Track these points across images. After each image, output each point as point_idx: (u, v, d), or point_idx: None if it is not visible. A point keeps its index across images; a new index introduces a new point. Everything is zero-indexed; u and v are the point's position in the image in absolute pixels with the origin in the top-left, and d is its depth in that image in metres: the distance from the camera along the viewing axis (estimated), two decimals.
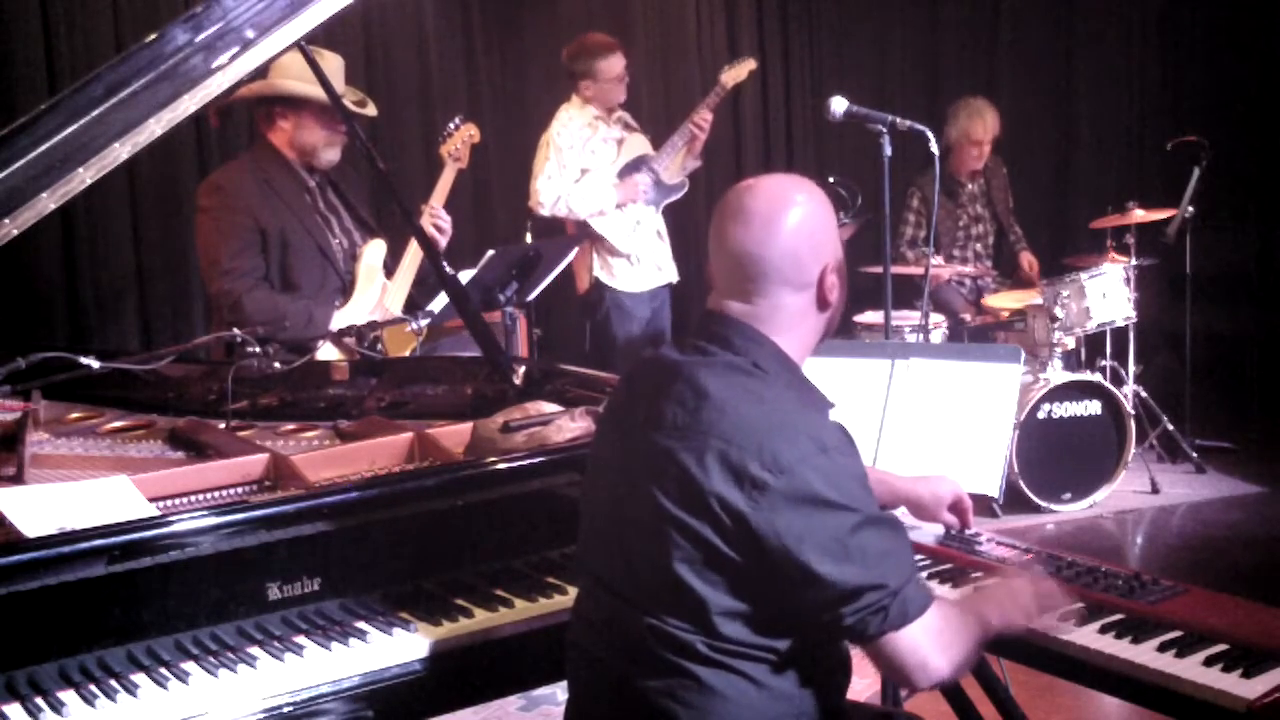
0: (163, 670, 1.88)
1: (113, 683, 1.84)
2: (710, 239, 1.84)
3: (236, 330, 2.92)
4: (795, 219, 1.78)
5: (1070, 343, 5.31)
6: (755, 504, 1.64)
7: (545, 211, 5.15)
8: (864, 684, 3.30)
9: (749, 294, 1.79)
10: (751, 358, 1.76)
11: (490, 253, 3.96)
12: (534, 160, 5.23)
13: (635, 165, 5.23)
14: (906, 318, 5.21)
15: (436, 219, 3.80)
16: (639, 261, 5.25)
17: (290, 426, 2.74)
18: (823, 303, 1.82)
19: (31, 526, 1.89)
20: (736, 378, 1.74)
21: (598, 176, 5.15)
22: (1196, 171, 5.61)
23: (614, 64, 5.19)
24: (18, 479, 2.27)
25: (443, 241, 3.81)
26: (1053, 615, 1.91)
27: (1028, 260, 6.04)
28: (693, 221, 6.20)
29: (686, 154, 5.33)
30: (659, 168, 5.26)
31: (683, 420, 1.71)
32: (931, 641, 1.69)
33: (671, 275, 5.41)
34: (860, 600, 1.65)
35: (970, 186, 6.01)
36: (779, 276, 1.78)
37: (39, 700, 1.79)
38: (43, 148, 2.23)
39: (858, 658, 1.83)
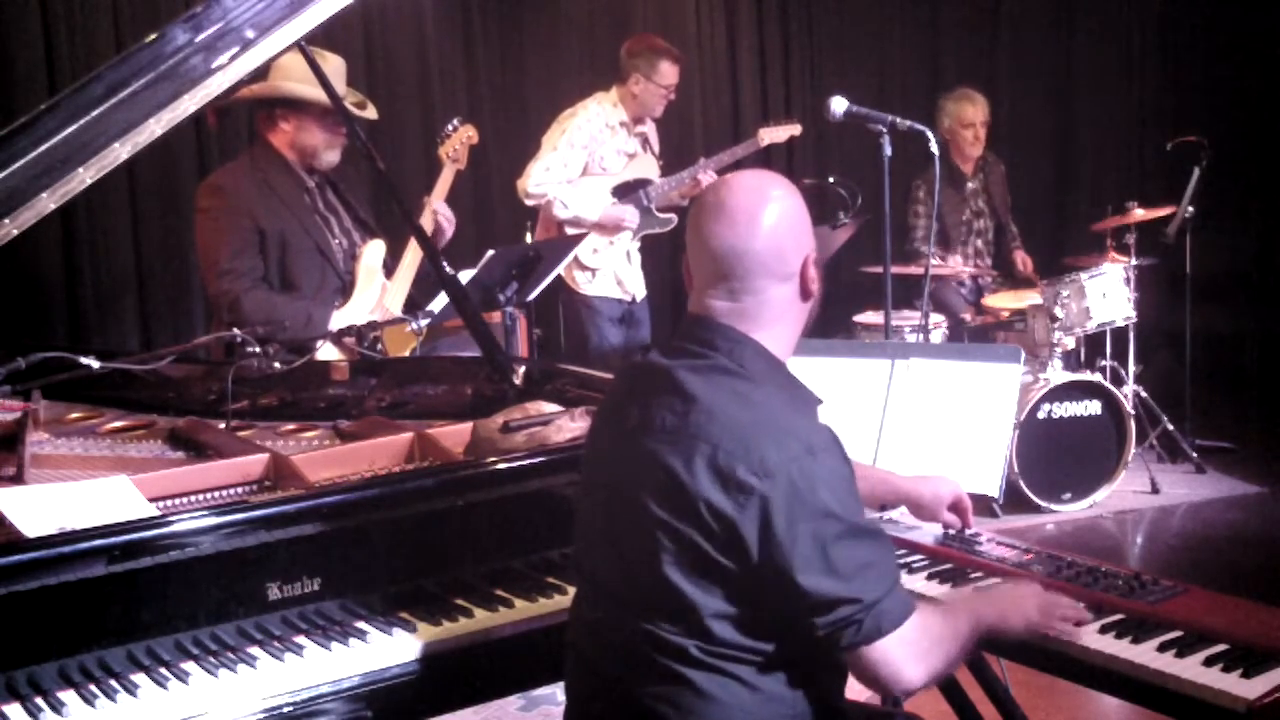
0: (163, 670, 1.88)
1: (113, 683, 1.84)
2: (689, 239, 1.85)
3: (236, 330, 2.92)
4: (776, 212, 1.79)
5: (1070, 343, 5.31)
6: (741, 508, 1.65)
7: (529, 201, 5.14)
8: None
9: (735, 292, 1.79)
10: (736, 359, 1.77)
11: (490, 253, 3.95)
12: (544, 136, 5.18)
13: (632, 187, 5.19)
14: (906, 318, 5.21)
15: (438, 215, 3.80)
16: (597, 277, 5.22)
17: (290, 426, 2.74)
18: (805, 293, 1.83)
19: (31, 526, 1.89)
20: (724, 380, 1.74)
21: (593, 188, 5.11)
22: (1196, 171, 5.60)
23: (671, 73, 5.17)
24: (18, 479, 2.27)
25: (449, 231, 3.82)
26: (1058, 622, 1.89)
27: (1021, 258, 6.05)
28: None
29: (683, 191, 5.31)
30: (654, 195, 5.23)
31: (672, 424, 1.72)
32: (905, 653, 1.69)
33: (637, 292, 5.36)
34: (833, 613, 1.66)
35: (971, 183, 6.02)
36: (764, 270, 1.78)
37: (39, 700, 1.79)
38: (43, 148, 2.23)
39: None
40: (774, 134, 5.35)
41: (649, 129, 5.35)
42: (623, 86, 5.19)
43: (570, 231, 5.07)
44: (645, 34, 5.45)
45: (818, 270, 1.84)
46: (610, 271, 5.24)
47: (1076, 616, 1.90)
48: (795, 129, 5.41)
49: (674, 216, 5.31)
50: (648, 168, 5.27)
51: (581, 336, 5.26)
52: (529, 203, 5.14)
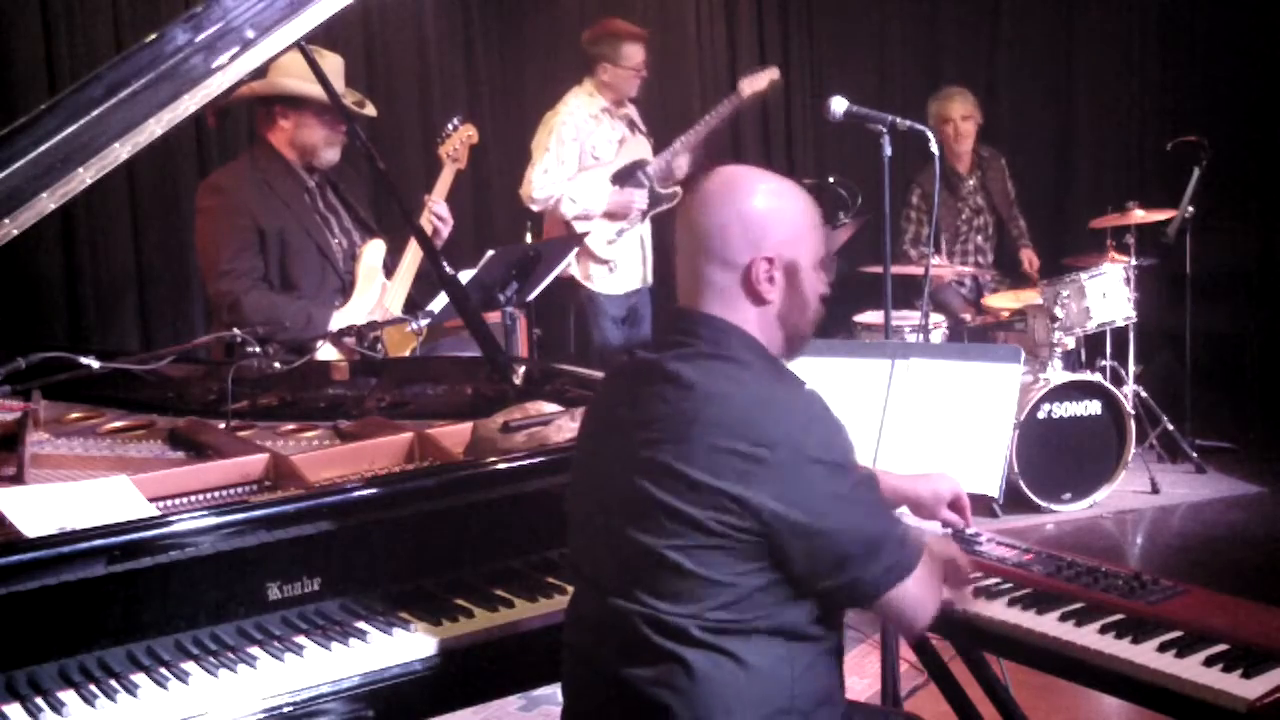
0: (163, 670, 1.88)
1: (113, 683, 1.84)
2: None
3: (236, 330, 2.92)
4: (738, 198, 1.80)
5: (1070, 343, 5.31)
6: (748, 482, 1.67)
7: (535, 207, 5.13)
8: (864, 684, 3.29)
9: (694, 275, 1.82)
10: (723, 346, 1.79)
11: (490, 253, 3.96)
12: (532, 142, 5.18)
13: (630, 171, 5.18)
14: (906, 318, 5.20)
15: (435, 213, 3.81)
16: (617, 269, 5.22)
17: (290, 426, 2.73)
18: (752, 294, 1.79)
19: (31, 526, 1.89)
20: (712, 364, 1.77)
21: (593, 180, 5.11)
22: (1196, 171, 5.60)
23: (636, 52, 5.15)
24: (18, 479, 2.27)
25: (445, 231, 3.82)
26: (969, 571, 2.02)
27: (1028, 257, 6.04)
28: None
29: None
30: (654, 173, 5.22)
31: (667, 413, 1.74)
32: (922, 591, 1.79)
33: (648, 279, 5.36)
34: (880, 554, 1.73)
35: (970, 180, 6.02)
36: (704, 247, 1.80)
37: (39, 700, 1.79)
38: (43, 148, 2.23)
39: (854, 656, 1.84)
40: (754, 83, 5.31)
41: (631, 110, 5.33)
42: (593, 77, 5.18)
43: (580, 227, 5.08)
44: (602, 21, 5.39)
45: (788, 280, 1.80)
46: (626, 260, 5.23)
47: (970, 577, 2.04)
48: (773, 73, 5.37)
49: (678, 191, 5.30)
50: (640, 149, 5.27)
51: (584, 334, 5.27)
52: (535, 208, 5.13)
